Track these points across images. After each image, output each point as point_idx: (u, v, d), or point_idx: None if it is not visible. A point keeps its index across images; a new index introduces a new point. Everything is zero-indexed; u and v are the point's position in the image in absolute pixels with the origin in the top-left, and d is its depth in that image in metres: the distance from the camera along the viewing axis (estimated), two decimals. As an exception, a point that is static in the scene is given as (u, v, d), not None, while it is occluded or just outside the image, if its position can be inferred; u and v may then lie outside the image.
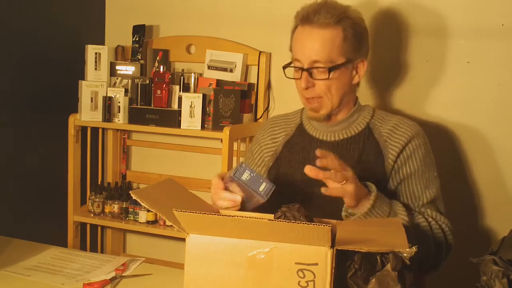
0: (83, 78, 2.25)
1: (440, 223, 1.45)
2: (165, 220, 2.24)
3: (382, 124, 1.53)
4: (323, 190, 1.24)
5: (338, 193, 1.25)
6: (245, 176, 1.24)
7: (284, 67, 1.55)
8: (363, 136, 1.52)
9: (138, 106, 2.20)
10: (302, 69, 1.46)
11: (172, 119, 2.13)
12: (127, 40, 2.38)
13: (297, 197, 1.37)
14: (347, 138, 1.53)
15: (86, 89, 2.21)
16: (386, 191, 1.42)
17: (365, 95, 1.97)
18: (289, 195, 1.40)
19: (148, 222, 2.26)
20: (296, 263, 0.97)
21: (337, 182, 1.23)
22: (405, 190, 1.49)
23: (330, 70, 1.44)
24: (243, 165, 1.26)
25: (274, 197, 1.28)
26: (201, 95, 2.11)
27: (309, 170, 1.22)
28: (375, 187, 1.32)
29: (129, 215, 2.29)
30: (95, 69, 2.25)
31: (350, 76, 1.51)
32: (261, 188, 1.24)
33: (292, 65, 1.52)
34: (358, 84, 1.57)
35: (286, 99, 2.23)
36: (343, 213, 1.32)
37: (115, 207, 2.29)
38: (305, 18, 1.47)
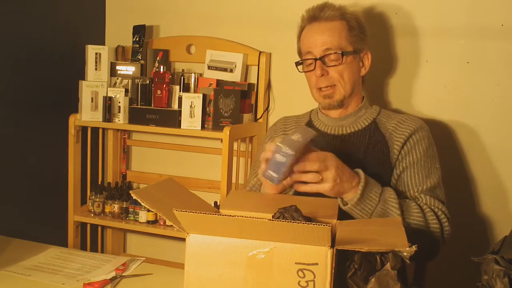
0: (83, 78, 2.26)
1: (436, 210, 1.47)
2: (165, 220, 2.25)
3: (388, 120, 1.61)
4: (300, 188, 1.29)
5: (313, 190, 1.30)
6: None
7: (297, 63, 1.64)
8: (370, 130, 1.59)
9: (138, 106, 2.20)
10: (316, 59, 1.56)
11: (172, 119, 2.13)
12: (127, 40, 2.38)
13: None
14: (354, 132, 1.60)
15: (86, 89, 2.21)
16: (391, 181, 1.48)
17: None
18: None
19: (148, 222, 2.26)
20: (296, 263, 0.97)
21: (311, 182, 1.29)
22: (407, 177, 1.53)
23: (343, 54, 1.54)
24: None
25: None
26: (201, 95, 2.11)
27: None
28: (363, 179, 1.35)
29: (129, 215, 2.29)
30: (96, 69, 2.25)
31: (358, 66, 1.62)
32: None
33: (304, 59, 1.61)
34: (363, 78, 1.67)
35: (286, 99, 2.23)
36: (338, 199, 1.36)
37: (115, 207, 2.29)
38: (312, 17, 1.60)
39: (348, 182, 1.33)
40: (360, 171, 1.37)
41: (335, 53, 1.55)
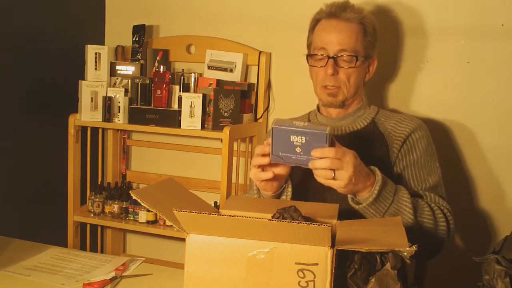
0: (83, 78, 2.25)
1: (442, 208, 1.48)
2: (165, 220, 2.24)
3: (386, 120, 1.62)
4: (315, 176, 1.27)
5: (325, 184, 1.27)
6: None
7: (308, 56, 1.63)
8: (369, 130, 1.60)
9: (138, 106, 2.20)
10: (328, 57, 1.55)
11: (172, 119, 2.13)
12: (127, 40, 2.38)
13: (305, 189, 1.48)
14: (353, 132, 1.61)
15: (86, 89, 2.21)
16: (391, 179, 1.46)
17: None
18: (298, 187, 1.47)
19: (148, 222, 2.26)
20: (296, 263, 0.97)
21: (323, 178, 1.26)
22: (408, 176, 1.54)
23: (357, 58, 1.55)
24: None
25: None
26: (201, 95, 2.10)
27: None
28: (380, 179, 1.33)
29: (129, 215, 2.29)
30: (95, 69, 2.25)
31: (365, 72, 1.64)
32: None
33: (316, 54, 1.60)
34: (364, 82, 1.67)
35: (286, 99, 2.23)
36: (348, 197, 1.35)
37: (115, 207, 2.29)
38: (333, 13, 1.59)
39: (363, 182, 1.31)
40: (377, 171, 1.35)
41: (349, 55, 1.55)
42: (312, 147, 1.23)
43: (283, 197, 1.43)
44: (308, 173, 1.29)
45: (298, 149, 1.24)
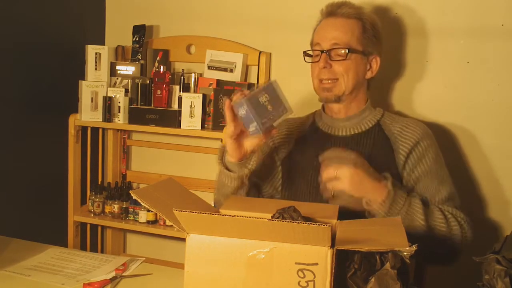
0: (83, 78, 2.26)
1: (460, 219, 1.49)
2: (165, 220, 2.25)
3: (392, 122, 1.62)
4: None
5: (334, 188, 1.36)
6: (241, 111, 1.30)
7: (305, 52, 1.65)
8: (374, 132, 1.60)
9: (138, 106, 2.20)
10: (322, 51, 1.57)
11: (172, 119, 2.13)
12: (127, 40, 2.38)
13: (308, 188, 1.52)
14: (358, 134, 1.60)
15: (86, 89, 2.21)
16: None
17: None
18: (300, 185, 1.51)
19: (148, 222, 2.26)
20: (296, 263, 0.97)
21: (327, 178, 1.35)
22: (421, 189, 1.54)
23: (348, 51, 1.55)
24: (244, 101, 1.30)
25: (287, 186, 1.44)
26: (201, 95, 2.11)
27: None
28: (391, 187, 1.38)
29: (129, 215, 2.29)
30: (95, 69, 2.25)
31: (364, 68, 1.62)
32: (250, 129, 1.32)
33: (312, 50, 1.63)
34: (369, 82, 1.67)
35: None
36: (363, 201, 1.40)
37: (115, 207, 2.29)
38: (330, 12, 1.61)
39: (371, 182, 1.37)
40: (388, 181, 1.40)
41: (341, 48, 1.56)
42: (273, 98, 1.34)
43: (248, 166, 1.45)
44: (309, 165, 1.34)
45: (269, 107, 1.32)
